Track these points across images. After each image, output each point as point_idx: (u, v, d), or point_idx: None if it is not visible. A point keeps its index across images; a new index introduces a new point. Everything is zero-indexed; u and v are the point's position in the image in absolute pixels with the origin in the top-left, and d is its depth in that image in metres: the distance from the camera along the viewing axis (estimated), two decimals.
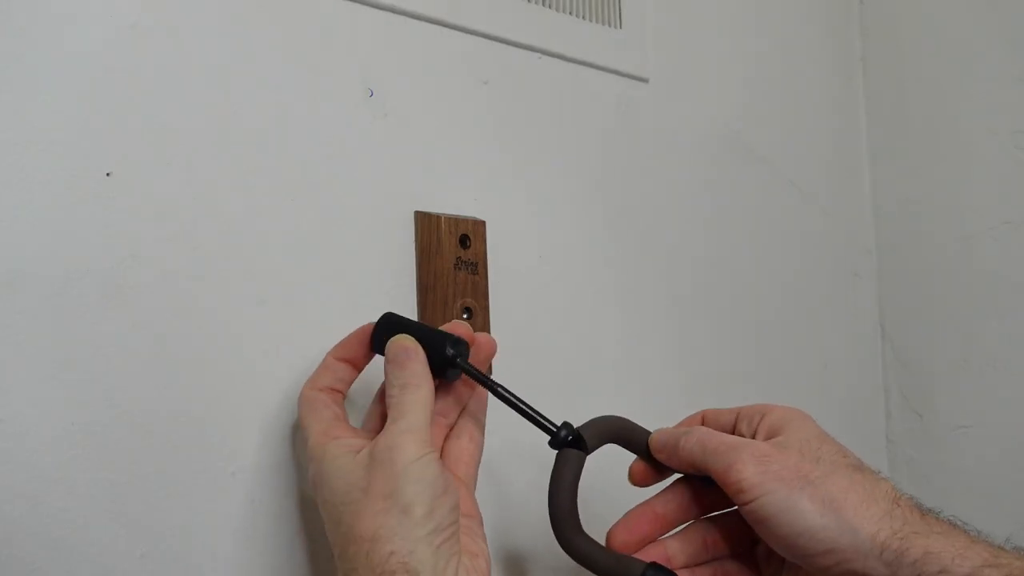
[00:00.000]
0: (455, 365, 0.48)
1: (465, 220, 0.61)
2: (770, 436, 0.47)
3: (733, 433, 0.49)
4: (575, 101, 0.72)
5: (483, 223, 0.62)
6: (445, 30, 0.63)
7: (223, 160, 0.52)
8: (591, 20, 0.73)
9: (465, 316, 0.60)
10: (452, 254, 0.60)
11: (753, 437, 0.48)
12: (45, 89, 0.46)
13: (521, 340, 0.64)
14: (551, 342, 0.67)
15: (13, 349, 0.44)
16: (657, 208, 0.77)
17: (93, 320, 0.46)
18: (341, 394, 0.50)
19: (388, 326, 0.49)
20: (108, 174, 0.47)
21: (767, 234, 0.87)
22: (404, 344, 0.47)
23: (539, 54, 0.69)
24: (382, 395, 0.49)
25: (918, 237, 0.95)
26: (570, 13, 0.71)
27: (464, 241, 0.60)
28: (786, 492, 0.43)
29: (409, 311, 0.59)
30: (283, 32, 0.55)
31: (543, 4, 0.69)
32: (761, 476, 0.44)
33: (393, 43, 0.60)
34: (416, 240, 0.59)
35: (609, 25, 0.74)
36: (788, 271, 0.89)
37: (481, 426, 0.51)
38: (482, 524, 0.48)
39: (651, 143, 0.77)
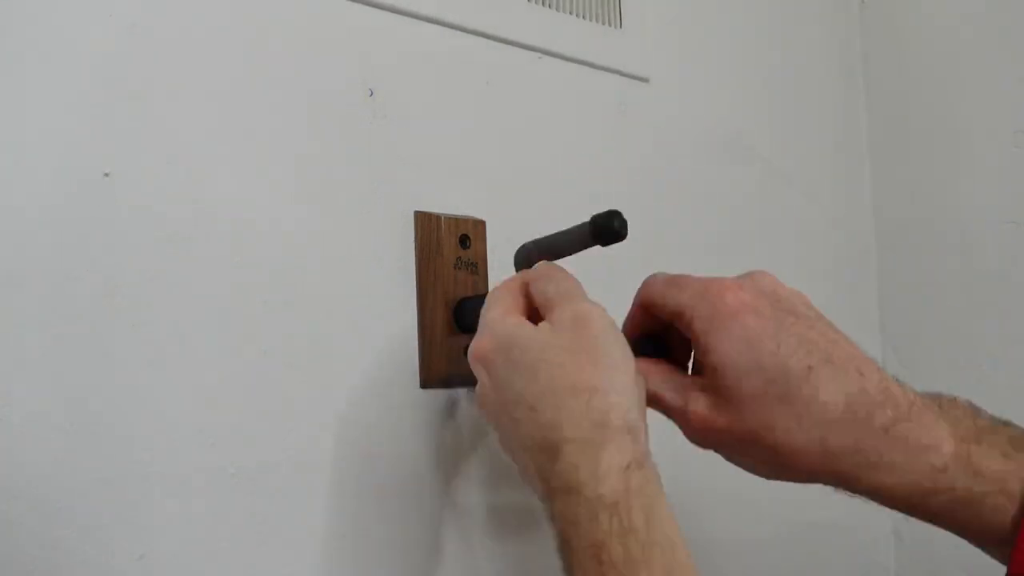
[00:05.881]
0: None
1: (465, 220, 0.61)
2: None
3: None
4: (575, 101, 0.71)
5: (483, 223, 0.62)
6: (445, 30, 0.63)
7: (222, 160, 0.52)
8: (591, 20, 0.73)
9: None
10: (452, 254, 0.60)
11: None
12: (45, 89, 0.46)
13: None
14: None
15: (13, 349, 0.44)
16: (657, 208, 0.77)
17: (93, 320, 0.46)
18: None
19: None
20: (107, 174, 0.47)
21: (767, 234, 0.87)
22: (549, 264, 0.53)
23: (539, 54, 0.69)
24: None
25: (918, 237, 0.95)
26: (570, 13, 0.71)
27: (464, 241, 0.60)
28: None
29: (409, 311, 0.59)
30: (283, 32, 0.55)
31: (543, 4, 0.69)
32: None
33: (393, 43, 0.60)
34: (416, 240, 0.59)
35: (609, 25, 0.74)
36: (788, 271, 0.88)
37: None
38: None
39: (651, 143, 0.77)
